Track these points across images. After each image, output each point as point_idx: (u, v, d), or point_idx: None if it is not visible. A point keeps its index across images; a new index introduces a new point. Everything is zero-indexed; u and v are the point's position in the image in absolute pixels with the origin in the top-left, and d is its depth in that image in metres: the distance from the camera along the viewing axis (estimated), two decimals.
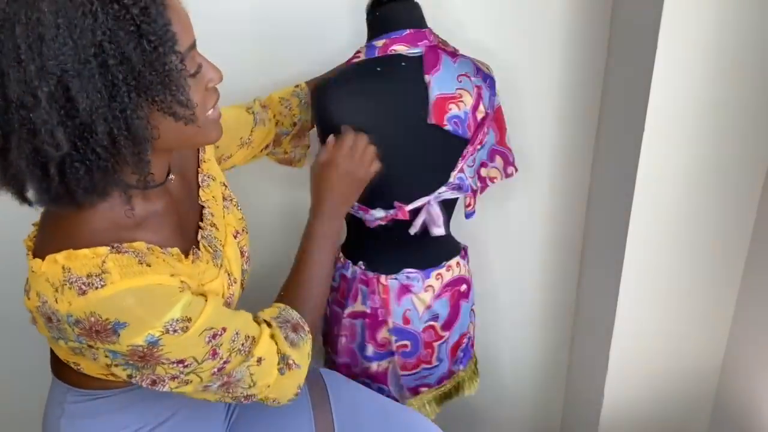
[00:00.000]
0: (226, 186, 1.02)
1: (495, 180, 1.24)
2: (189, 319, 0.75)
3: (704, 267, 1.31)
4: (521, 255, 1.58)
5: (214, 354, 0.78)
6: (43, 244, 0.74)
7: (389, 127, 1.05)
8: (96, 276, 0.69)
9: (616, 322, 1.36)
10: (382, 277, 1.16)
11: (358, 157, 1.02)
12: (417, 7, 1.09)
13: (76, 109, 0.63)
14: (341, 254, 1.23)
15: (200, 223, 0.91)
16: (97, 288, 0.69)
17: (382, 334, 1.19)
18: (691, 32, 1.10)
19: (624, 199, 1.26)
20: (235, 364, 0.81)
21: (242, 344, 0.82)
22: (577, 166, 1.47)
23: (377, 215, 1.10)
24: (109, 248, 0.72)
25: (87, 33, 0.62)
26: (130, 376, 0.77)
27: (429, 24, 1.10)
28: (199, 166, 0.97)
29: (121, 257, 0.72)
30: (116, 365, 0.75)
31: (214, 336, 0.78)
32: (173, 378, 0.77)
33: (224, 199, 0.99)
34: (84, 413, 0.89)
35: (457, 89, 1.07)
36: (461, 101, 1.07)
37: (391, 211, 1.10)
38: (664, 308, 1.36)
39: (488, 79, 1.12)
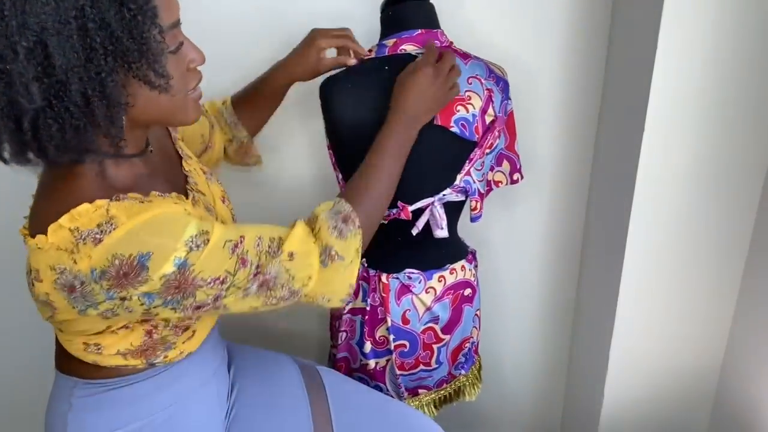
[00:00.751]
0: (202, 165, 1.05)
1: (500, 184, 1.23)
2: (206, 233, 0.77)
3: (704, 267, 1.31)
4: (521, 255, 1.58)
5: (244, 262, 0.80)
6: (40, 223, 0.75)
7: None
8: (106, 223, 0.72)
9: (616, 322, 1.36)
10: (383, 275, 1.16)
11: (444, 76, 1.00)
12: (431, 7, 1.09)
13: (52, 66, 0.66)
14: None
15: (187, 186, 0.93)
16: (110, 232, 0.72)
17: (381, 332, 1.19)
18: (691, 32, 1.10)
19: (624, 199, 1.26)
20: (267, 263, 0.82)
21: (269, 246, 0.83)
22: (577, 166, 1.47)
23: None
24: (107, 200, 0.74)
25: None
26: (174, 310, 0.78)
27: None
28: (174, 144, 0.99)
29: (121, 203, 0.74)
30: (155, 307, 0.77)
31: (235, 246, 0.80)
32: (216, 298, 0.79)
33: (205, 173, 1.01)
34: (92, 407, 0.90)
35: (466, 91, 1.07)
36: (470, 103, 1.07)
37: (394, 210, 1.10)
38: (664, 308, 1.36)
39: (501, 82, 1.12)
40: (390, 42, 1.06)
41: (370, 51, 1.09)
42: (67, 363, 0.91)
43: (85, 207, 0.73)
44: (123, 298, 0.74)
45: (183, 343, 0.93)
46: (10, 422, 1.70)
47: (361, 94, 1.04)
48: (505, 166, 1.21)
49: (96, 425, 0.90)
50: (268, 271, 0.82)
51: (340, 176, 1.13)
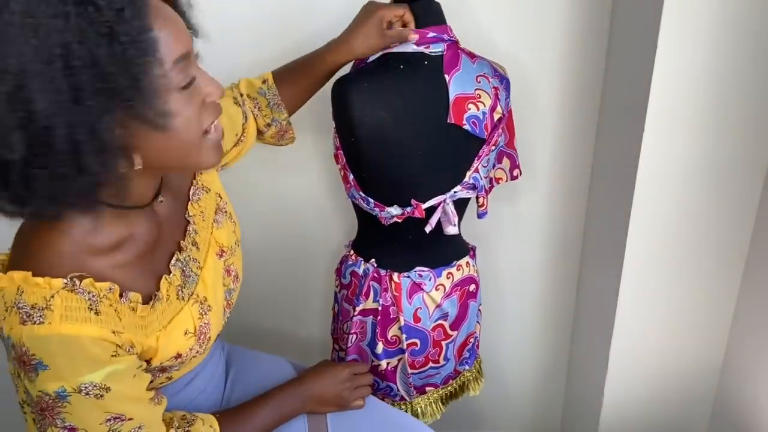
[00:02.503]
0: (221, 197, 0.99)
1: (500, 181, 1.25)
2: (108, 389, 0.73)
3: (704, 267, 1.32)
4: (521, 255, 1.59)
5: None
6: (11, 262, 0.73)
7: (409, 124, 1.05)
8: (39, 309, 0.68)
9: (616, 322, 1.36)
10: (395, 275, 1.16)
11: (357, 391, 1.10)
12: (438, 6, 1.09)
13: (34, 111, 0.60)
14: (352, 251, 1.23)
15: (181, 242, 0.88)
16: (35, 323, 0.68)
17: (393, 331, 1.19)
18: (691, 32, 1.10)
19: (624, 199, 1.26)
20: None
21: None
22: (577, 166, 1.47)
23: (393, 212, 1.10)
24: (64, 282, 0.70)
25: (54, 34, 0.59)
26: (32, 420, 0.75)
27: None
28: (194, 178, 0.93)
29: (71, 297, 0.70)
30: (25, 405, 0.75)
31: (117, 418, 0.75)
32: None
33: (217, 212, 0.96)
34: None
35: (476, 89, 1.08)
36: (480, 101, 1.08)
37: (408, 209, 1.10)
38: (664, 308, 1.36)
39: (504, 80, 1.14)
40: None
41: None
42: None
43: (38, 280, 0.69)
44: (18, 375, 0.73)
45: (161, 383, 0.90)
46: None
47: (378, 94, 1.03)
48: (505, 162, 1.23)
49: None
50: None
51: (351, 176, 1.11)
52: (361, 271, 1.19)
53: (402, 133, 1.05)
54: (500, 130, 1.13)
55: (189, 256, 0.88)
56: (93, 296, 0.72)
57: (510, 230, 1.55)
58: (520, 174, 1.25)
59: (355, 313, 1.19)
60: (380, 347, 1.20)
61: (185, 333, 0.84)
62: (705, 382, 1.45)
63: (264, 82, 1.10)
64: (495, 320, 1.63)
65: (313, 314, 1.64)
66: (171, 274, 0.84)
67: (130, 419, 0.76)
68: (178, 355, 0.83)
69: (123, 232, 0.78)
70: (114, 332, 0.73)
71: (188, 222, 0.89)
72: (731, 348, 1.40)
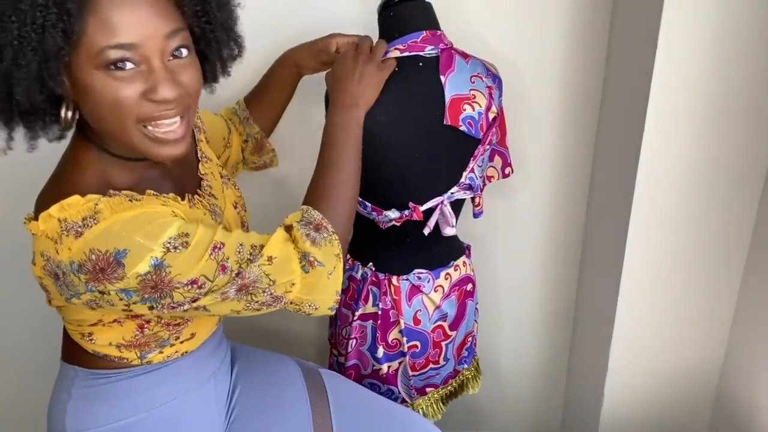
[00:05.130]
0: (222, 167, 1.06)
1: (492, 179, 1.25)
2: (187, 235, 0.77)
3: (704, 267, 1.32)
4: (521, 255, 1.58)
5: (224, 268, 0.79)
6: (38, 209, 0.78)
7: (406, 126, 1.05)
8: (90, 218, 0.73)
9: (616, 322, 1.36)
10: (394, 278, 1.16)
11: (366, 56, 1.02)
12: (429, 6, 1.09)
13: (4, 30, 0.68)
14: (349, 256, 1.22)
15: (198, 190, 0.93)
16: (91, 227, 0.73)
17: (394, 335, 1.19)
18: (691, 32, 1.10)
19: (624, 199, 1.26)
20: (247, 268, 0.81)
21: (250, 253, 0.82)
22: (577, 166, 1.47)
23: (391, 216, 1.10)
24: (99, 195, 0.76)
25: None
26: (151, 308, 0.78)
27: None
28: (197, 145, 1.00)
29: (111, 200, 0.76)
30: (134, 303, 0.77)
31: (215, 250, 0.78)
32: (193, 300, 0.79)
33: (222, 176, 1.03)
34: (91, 398, 0.92)
35: (470, 90, 1.08)
36: (475, 102, 1.08)
37: (406, 212, 1.10)
38: (664, 308, 1.36)
39: (497, 79, 1.14)
40: (401, 47, 1.06)
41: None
42: (71, 352, 0.93)
43: (75, 199, 0.75)
44: (101, 292, 0.75)
45: (181, 343, 0.94)
46: (18, 419, 1.69)
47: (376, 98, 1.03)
48: (497, 161, 1.23)
49: (94, 415, 0.92)
50: (247, 275, 0.81)
51: None
52: (359, 276, 1.19)
53: (399, 136, 1.05)
54: (494, 129, 1.13)
55: (210, 201, 0.94)
56: (130, 196, 0.78)
57: (509, 230, 1.55)
58: (512, 172, 1.25)
59: (355, 318, 1.19)
60: (381, 351, 1.19)
61: None
62: (705, 382, 1.45)
63: (237, 103, 1.22)
64: (495, 320, 1.63)
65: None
66: (198, 202, 0.91)
67: (222, 243, 0.80)
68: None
69: (134, 177, 0.84)
70: (163, 205, 0.80)
71: (201, 179, 0.95)
72: (731, 348, 1.40)
